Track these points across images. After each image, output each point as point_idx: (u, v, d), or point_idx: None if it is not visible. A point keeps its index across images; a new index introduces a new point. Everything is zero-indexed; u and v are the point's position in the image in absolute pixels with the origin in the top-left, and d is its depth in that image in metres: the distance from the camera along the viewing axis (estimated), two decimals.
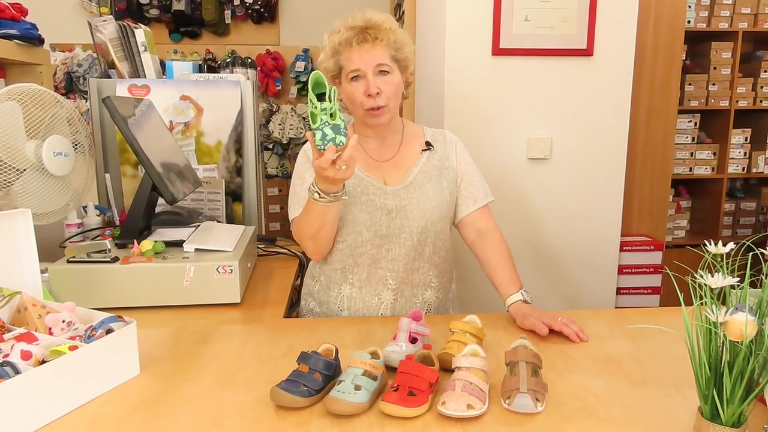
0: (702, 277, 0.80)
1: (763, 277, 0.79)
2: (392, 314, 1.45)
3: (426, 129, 1.54)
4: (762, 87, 3.42)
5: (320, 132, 1.14)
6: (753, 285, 0.84)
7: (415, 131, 1.52)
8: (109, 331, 1.03)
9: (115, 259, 1.40)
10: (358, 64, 1.35)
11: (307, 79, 4.45)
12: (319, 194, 1.26)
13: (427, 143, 1.49)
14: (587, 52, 2.16)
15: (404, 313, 1.45)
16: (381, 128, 1.44)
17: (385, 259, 1.44)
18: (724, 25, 3.32)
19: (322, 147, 1.14)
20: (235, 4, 4.29)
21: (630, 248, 2.52)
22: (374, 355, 1.04)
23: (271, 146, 4.40)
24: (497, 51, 2.14)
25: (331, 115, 1.15)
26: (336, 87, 1.38)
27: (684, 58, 3.17)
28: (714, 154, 3.43)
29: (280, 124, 4.33)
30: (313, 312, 1.54)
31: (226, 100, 2.01)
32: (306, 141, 1.38)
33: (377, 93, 1.34)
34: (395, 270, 1.44)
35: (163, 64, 2.12)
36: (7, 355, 0.93)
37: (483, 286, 2.31)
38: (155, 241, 1.46)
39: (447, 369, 1.04)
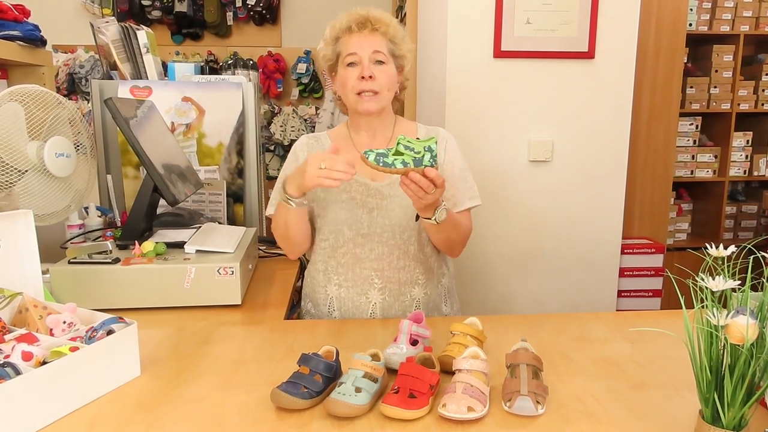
0: (703, 280, 0.80)
1: (764, 281, 0.79)
2: (382, 313, 1.45)
3: (420, 126, 1.53)
4: (763, 90, 3.42)
5: (380, 153, 1.18)
6: (754, 288, 0.84)
7: (408, 128, 1.52)
8: (110, 332, 1.03)
9: (117, 260, 1.40)
10: (356, 48, 1.37)
11: (308, 81, 4.43)
12: (281, 186, 1.31)
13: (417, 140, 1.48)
14: (589, 54, 2.16)
15: (393, 311, 1.45)
16: (372, 120, 1.44)
17: (368, 259, 1.44)
18: (725, 28, 3.32)
19: (367, 153, 1.18)
20: (237, 5, 4.29)
21: (631, 251, 2.52)
22: (375, 357, 1.04)
23: (272, 148, 4.40)
24: (499, 53, 2.14)
25: (395, 153, 1.17)
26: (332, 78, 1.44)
27: (685, 61, 3.18)
28: (715, 157, 3.43)
29: (281, 126, 4.33)
30: (309, 313, 1.54)
31: (227, 102, 2.01)
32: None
33: (370, 76, 1.36)
34: (380, 269, 1.44)
35: (165, 66, 2.12)
36: (8, 356, 0.93)
37: (484, 287, 2.32)
38: (156, 243, 1.46)
39: (448, 371, 1.04)
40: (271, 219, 1.47)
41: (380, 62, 1.38)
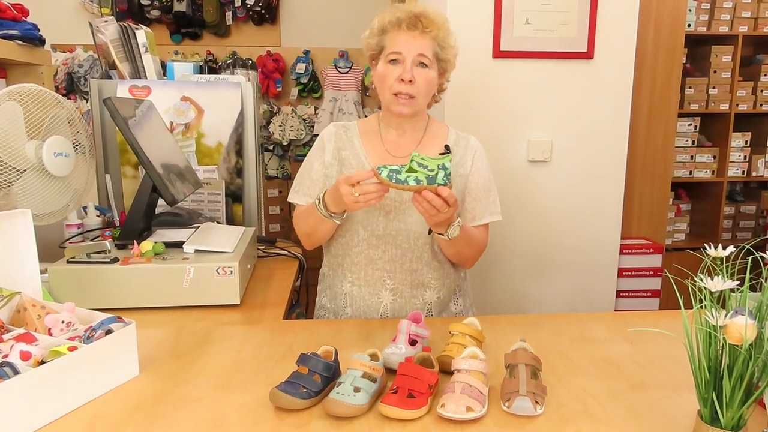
0: (702, 280, 0.80)
1: (763, 281, 0.79)
2: (393, 314, 1.45)
3: (451, 131, 1.51)
4: (762, 91, 3.42)
5: (394, 170, 1.17)
6: (752, 288, 0.84)
7: (439, 131, 1.50)
8: (108, 332, 1.03)
9: (115, 260, 1.40)
10: (402, 47, 1.34)
11: (307, 81, 4.42)
12: (319, 201, 1.30)
13: (446, 147, 1.47)
14: (588, 54, 2.16)
15: (405, 312, 1.45)
16: (403, 120, 1.43)
17: (381, 260, 1.43)
18: (724, 29, 3.33)
19: (380, 168, 1.17)
20: (236, 5, 4.28)
21: (630, 251, 2.52)
22: (374, 357, 1.04)
23: (271, 148, 4.40)
24: (498, 53, 2.14)
25: (408, 170, 1.17)
26: (371, 67, 1.42)
27: (684, 62, 3.17)
28: (714, 157, 3.43)
29: (280, 126, 4.33)
30: (324, 308, 1.54)
31: (226, 102, 2.01)
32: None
33: (410, 81, 1.33)
34: (392, 271, 1.44)
35: (163, 65, 2.12)
36: (6, 356, 0.93)
37: (482, 287, 2.31)
38: (155, 242, 1.46)
39: (446, 371, 1.04)
40: (296, 212, 1.47)
41: (423, 65, 1.35)
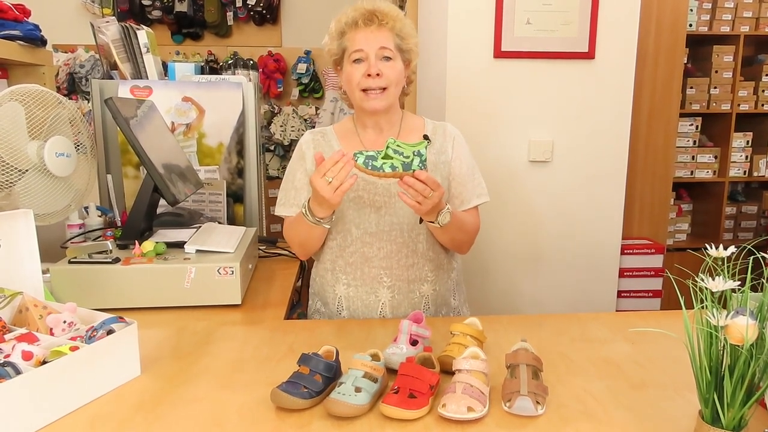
0: (703, 280, 0.80)
1: (764, 281, 0.79)
2: (391, 311, 1.45)
3: (427, 121, 1.52)
4: (763, 90, 3.42)
5: (370, 156, 1.18)
6: (754, 289, 0.84)
7: (415, 123, 1.51)
8: (110, 332, 1.03)
9: (117, 260, 1.40)
10: (362, 44, 1.35)
11: (308, 81, 4.43)
12: (305, 209, 1.29)
13: (425, 136, 1.47)
14: (589, 55, 2.16)
15: (403, 309, 1.45)
16: (378, 117, 1.43)
17: (377, 257, 1.43)
18: (725, 29, 3.32)
19: (357, 155, 1.18)
20: (237, 5, 4.29)
21: (631, 251, 2.52)
22: (375, 357, 1.05)
23: (272, 148, 4.40)
24: (499, 54, 2.14)
25: (384, 156, 1.18)
26: (338, 73, 1.43)
27: (685, 62, 3.17)
28: (715, 157, 3.43)
29: (281, 126, 4.34)
30: (319, 312, 1.53)
31: (227, 102, 2.01)
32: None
33: (377, 74, 1.34)
34: (389, 268, 1.43)
35: (165, 66, 2.12)
36: (8, 356, 0.93)
37: (483, 286, 2.31)
38: (156, 242, 1.46)
39: (448, 371, 1.04)
40: (283, 219, 1.47)
41: (387, 58, 1.36)
